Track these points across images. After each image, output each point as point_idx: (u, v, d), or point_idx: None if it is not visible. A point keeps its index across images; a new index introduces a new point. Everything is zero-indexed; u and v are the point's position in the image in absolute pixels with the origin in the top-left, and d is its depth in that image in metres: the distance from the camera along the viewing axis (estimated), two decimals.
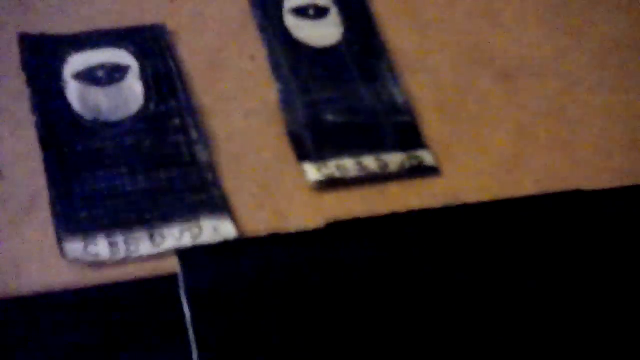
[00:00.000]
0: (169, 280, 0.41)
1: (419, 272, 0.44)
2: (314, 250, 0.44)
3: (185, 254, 0.42)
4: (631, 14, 0.63)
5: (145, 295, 0.41)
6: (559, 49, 0.59)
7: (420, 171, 0.49)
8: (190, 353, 0.40)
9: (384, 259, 0.44)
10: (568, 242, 0.47)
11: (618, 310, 0.45)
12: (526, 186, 0.51)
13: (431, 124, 0.52)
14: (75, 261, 0.42)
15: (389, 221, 0.46)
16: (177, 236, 0.43)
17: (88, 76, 0.48)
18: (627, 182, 0.53)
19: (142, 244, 0.43)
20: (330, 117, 0.49)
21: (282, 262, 0.43)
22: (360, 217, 0.46)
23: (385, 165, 0.48)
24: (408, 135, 0.50)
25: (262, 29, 0.53)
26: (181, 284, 0.41)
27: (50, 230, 0.43)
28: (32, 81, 0.48)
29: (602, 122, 0.56)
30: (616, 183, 0.53)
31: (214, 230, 0.44)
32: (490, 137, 0.53)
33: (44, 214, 0.43)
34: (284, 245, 0.44)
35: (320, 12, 0.55)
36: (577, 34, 0.61)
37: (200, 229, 0.44)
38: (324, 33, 0.54)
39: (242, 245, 0.43)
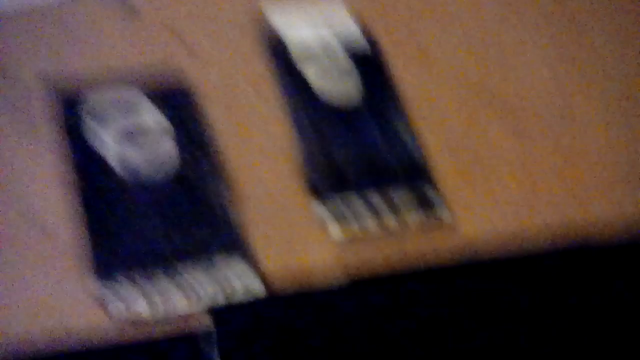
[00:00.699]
0: (202, 337, 0.45)
1: (441, 328, 0.47)
2: (338, 307, 0.47)
3: (217, 312, 0.46)
4: (636, 50, 0.65)
5: (181, 351, 0.45)
6: (564, 89, 0.61)
7: (436, 225, 0.52)
8: None
9: (409, 316, 0.47)
10: (578, 297, 0.50)
11: None
12: (539, 234, 0.53)
13: (445, 177, 0.55)
14: (118, 320, 0.46)
15: (408, 278, 0.49)
16: (210, 295, 0.47)
17: (126, 138, 0.52)
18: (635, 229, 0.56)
19: (179, 302, 0.46)
20: (352, 176, 0.53)
21: (309, 320, 0.46)
22: (381, 273, 0.49)
23: (404, 223, 0.51)
24: (426, 192, 0.53)
25: (284, 87, 0.56)
26: (214, 341, 0.44)
27: (94, 292, 0.47)
28: (73, 143, 0.51)
29: (610, 164, 0.58)
30: (626, 228, 0.55)
31: (245, 290, 0.47)
32: (502, 187, 0.55)
33: (86, 273, 0.47)
34: (310, 302, 0.47)
35: (342, 72, 0.58)
36: (582, 74, 0.62)
37: (233, 289, 0.47)
38: (345, 91, 0.57)
39: (270, 303, 0.47)
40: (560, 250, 0.51)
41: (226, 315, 0.45)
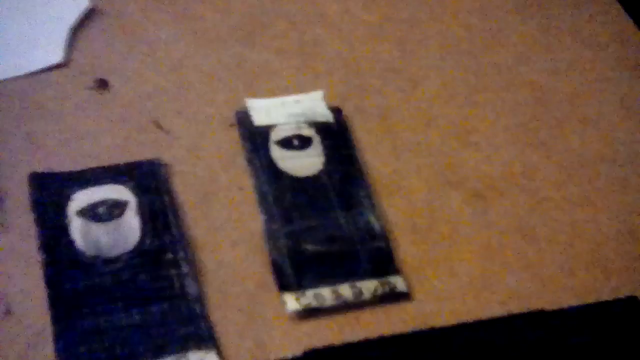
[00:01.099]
0: None
1: None
2: None
3: None
4: (599, 127, 0.67)
5: None
6: (528, 166, 0.64)
7: (393, 297, 0.53)
8: None
9: None
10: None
11: None
12: (492, 308, 0.55)
13: (404, 248, 0.57)
14: None
15: (362, 347, 0.50)
16: None
17: (90, 213, 0.53)
18: (590, 299, 0.57)
19: None
20: (309, 247, 0.54)
21: None
22: (336, 344, 0.50)
23: (359, 293, 0.52)
24: (382, 261, 0.54)
25: (250, 160, 0.58)
26: None
27: None
28: (39, 219, 0.53)
29: (567, 239, 0.60)
30: (579, 301, 0.57)
31: None
32: (459, 259, 0.57)
33: (48, 349, 0.48)
34: None
35: (304, 142, 0.59)
36: (546, 150, 0.65)
37: None
38: (306, 163, 0.58)
39: None
40: (511, 317, 0.52)
41: None
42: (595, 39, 0.72)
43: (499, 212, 0.60)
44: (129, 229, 0.53)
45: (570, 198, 0.62)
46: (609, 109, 0.68)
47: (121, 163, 0.56)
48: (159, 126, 0.60)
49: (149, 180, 0.56)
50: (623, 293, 0.56)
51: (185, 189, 0.57)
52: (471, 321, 0.52)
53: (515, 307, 0.55)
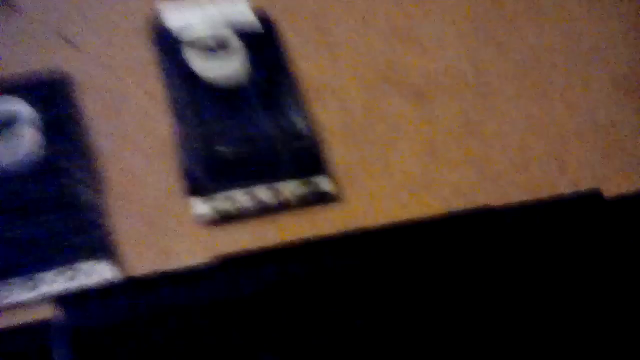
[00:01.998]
0: (47, 328, 0.41)
1: (313, 304, 0.43)
2: (201, 287, 0.43)
3: (62, 300, 0.42)
4: (556, 19, 0.62)
5: (21, 344, 0.40)
6: (479, 63, 0.58)
7: (316, 198, 0.48)
8: None
9: (274, 292, 0.43)
10: (475, 262, 0.46)
11: (525, 334, 0.43)
12: (433, 207, 0.49)
13: (336, 150, 0.51)
14: None
15: (280, 253, 0.44)
16: (50, 280, 0.43)
17: None
18: (544, 194, 0.51)
19: (17, 291, 0.42)
20: (223, 149, 0.49)
21: (166, 302, 0.42)
22: (250, 250, 0.45)
23: (278, 194, 0.47)
24: (305, 162, 0.49)
25: (163, 66, 0.53)
26: (54, 331, 0.40)
27: None
28: None
29: (520, 135, 0.54)
30: (532, 197, 0.51)
31: (90, 272, 0.43)
32: (398, 159, 0.51)
33: None
34: (169, 283, 0.43)
35: (222, 45, 0.54)
36: (499, 46, 0.59)
37: (76, 272, 0.43)
38: (225, 66, 0.53)
39: (124, 287, 0.42)
40: (453, 215, 0.47)
41: (71, 302, 0.41)
42: None
43: (443, 110, 0.54)
44: (23, 140, 0.48)
45: (525, 93, 0.56)
46: (566, 3, 0.62)
47: (21, 75, 0.52)
48: (66, 40, 0.55)
49: (51, 93, 0.50)
50: (582, 188, 0.51)
51: (94, 101, 0.51)
52: (406, 221, 0.47)
53: (459, 205, 0.49)
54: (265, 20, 0.56)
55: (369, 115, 0.53)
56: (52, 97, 0.50)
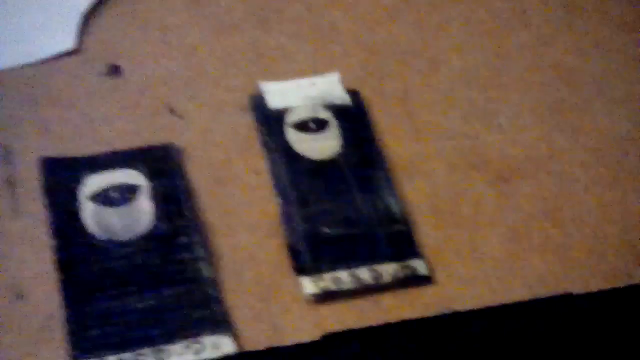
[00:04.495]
0: None
1: None
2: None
3: None
4: (628, 107, 0.65)
5: None
6: (555, 148, 0.61)
7: (413, 281, 0.51)
8: None
9: None
10: (559, 347, 0.49)
11: None
12: (518, 292, 0.53)
13: (426, 231, 0.55)
14: None
15: (381, 332, 0.48)
16: (180, 353, 0.46)
17: (102, 197, 0.52)
18: (620, 283, 0.55)
19: None
20: (326, 230, 0.52)
21: None
22: (355, 328, 0.48)
23: (379, 276, 0.51)
24: (402, 244, 0.52)
25: (265, 144, 0.57)
26: None
27: (65, 350, 0.46)
28: (51, 204, 0.52)
29: (596, 222, 0.58)
30: (609, 285, 0.54)
31: (214, 346, 0.46)
32: (483, 243, 0.55)
33: (58, 334, 0.47)
34: (281, 358, 0.46)
35: (321, 125, 0.58)
36: (573, 131, 0.63)
37: (202, 345, 0.47)
38: (323, 145, 0.57)
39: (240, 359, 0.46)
40: (536, 300, 0.50)
41: None
42: (622, 19, 0.70)
43: (524, 195, 0.58)
44: (142, 213, 0.52)
45: (599, 180, 0.60)
46: (638, 89, 0.65)
47: (134, 147, 0.56)
48: (172, 111, 0.59)
49: (162, 165, 0.54)
50: None
51: (200, 174, 0.56)
52: (495, 305, 0.51)
53: (542, 291, 0.53)
54: (356, 100, 0.60)
55: (455, 198, 0.57)
56: (165, 169, 0.54)
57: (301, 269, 0.50)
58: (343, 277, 0.50)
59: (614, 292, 0.52)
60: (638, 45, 0.68)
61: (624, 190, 0.59)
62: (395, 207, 0.54)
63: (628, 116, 0.63)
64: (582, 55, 0.67)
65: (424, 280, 0.51)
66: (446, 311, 0.49)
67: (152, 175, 0.54)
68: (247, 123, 0.59)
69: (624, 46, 0.68)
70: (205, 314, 0.47)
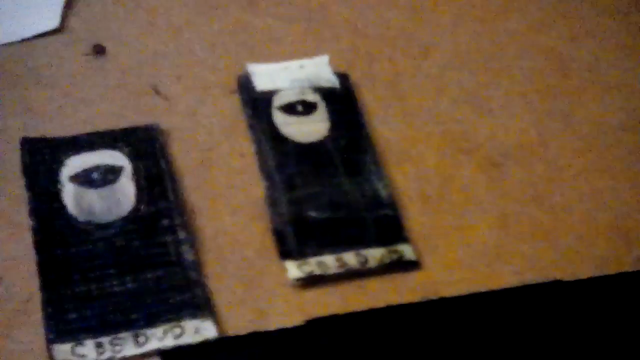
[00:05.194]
0: None
1: None
2: (293, 348, 0.45)
3: (167, 355, 0.44)
4: (620, 95, 0.64)
5: None
6: (546, 134, 0.61)
7: (401, 266, 0.50)
8: None
9: (363, 355, 0.45)
10: (547, 333, 0.48)
11: None
12: (507, 279, 0.52)
13: (414, 216, 0.54)
14: None
15: (366, 317, 0.47)
16: (160, 337, 0.45)
17: (83, 178, 0.51)
18: (611, 270, 0.54)
19: (127, 345, 0.45)
20: (312, 214, 0.51)
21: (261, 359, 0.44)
22: (340, 313, 0.47)
23: (365, 261, 0.50)
24: (390, 229, 0.51)
25: (252, 126, 0.56)
26: None
27: (42, 333, 0.45)
28: (31, 185, 0.50)
29: (586, 209, 0.57)
30: (599, 272, 0.54)
31: (196, 330, 0.45)
32: (472, 228, 0.54)
33: (36, 316, 0.46)
34: (264, 343, 0.45)
35: (308, 108, 0.57)
36: (564, 118, 0.62)
37: (183, 329, 0.46)
38: (311, 128, 0.56)
39: (222, 345, 0.45)
40: (525, 287, 0.49)
41: (175, 358, 0.44)
42: (615, 6, 0.69)
43: (514, 181, 0.57)
44: (124, 194, 0.51)
45: (589, 167, 0.59)
46: (631, 77, 0.64)
47: (116, 128, 0.54)
48: (157, 92, 0.58)
49: (145, 146, 0.53)
50: None
51: (185, 156, 0.55)
52: (483, 291, 0.50)
53: (531, 277, 0.51)
54: (345, 83, 0.59)
55: (444, 183, 0.56)
56: (149, 151, 0.53)
57: (286, 253, 0.49)
58: (329, 262, 0.49)
59: (603, 279, 0.51)
60: (630, 33, 0.68)
61: (615, 177, 0.58)
62: (383, 192, 0.53)
63: (619, 103, 0.62)
64: (575, 42, 0.66)
65: (411, 266, 0.50)
66: (433, 297, 0.49)
67: (135, 156, 0.53)
68: (233, 105, 0.58)
69: (617, 33, 0.68)
70: (187, 297, 0.46)
